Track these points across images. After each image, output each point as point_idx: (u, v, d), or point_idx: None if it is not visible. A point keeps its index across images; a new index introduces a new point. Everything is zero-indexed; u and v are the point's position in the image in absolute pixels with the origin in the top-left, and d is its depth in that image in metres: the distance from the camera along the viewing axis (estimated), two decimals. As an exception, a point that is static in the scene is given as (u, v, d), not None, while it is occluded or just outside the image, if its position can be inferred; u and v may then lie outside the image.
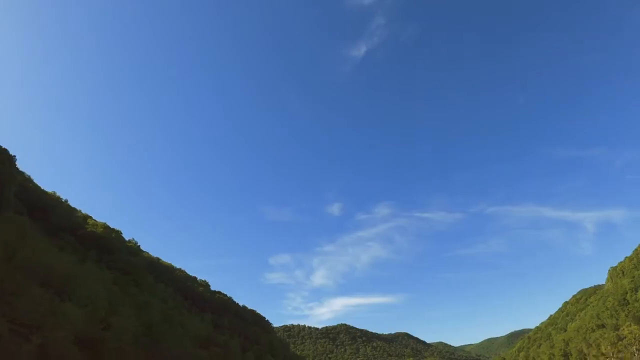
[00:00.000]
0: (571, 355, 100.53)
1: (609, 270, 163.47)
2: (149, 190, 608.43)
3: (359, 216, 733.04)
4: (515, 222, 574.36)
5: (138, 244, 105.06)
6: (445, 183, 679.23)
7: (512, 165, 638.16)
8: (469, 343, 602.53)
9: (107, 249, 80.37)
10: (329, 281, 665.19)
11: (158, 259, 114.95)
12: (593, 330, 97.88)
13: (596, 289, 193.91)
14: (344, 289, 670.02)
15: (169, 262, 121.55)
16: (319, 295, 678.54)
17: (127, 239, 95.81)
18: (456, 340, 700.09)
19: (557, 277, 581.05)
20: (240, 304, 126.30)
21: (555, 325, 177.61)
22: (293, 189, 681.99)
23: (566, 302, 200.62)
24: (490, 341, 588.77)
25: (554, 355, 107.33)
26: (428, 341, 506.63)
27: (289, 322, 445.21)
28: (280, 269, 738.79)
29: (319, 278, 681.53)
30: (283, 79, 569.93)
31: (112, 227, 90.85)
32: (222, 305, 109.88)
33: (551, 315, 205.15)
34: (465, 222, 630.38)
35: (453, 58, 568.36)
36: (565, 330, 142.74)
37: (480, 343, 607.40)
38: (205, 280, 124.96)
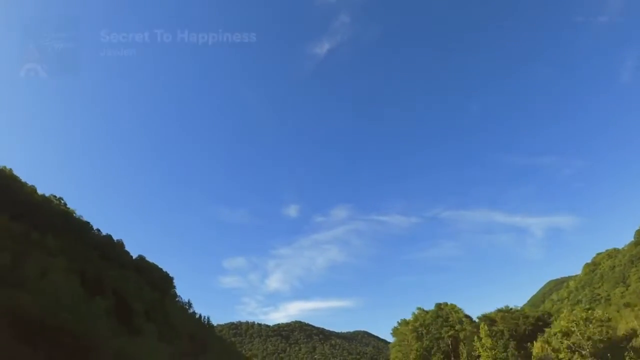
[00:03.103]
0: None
1: (637, 231, 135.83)
2: (95, 186, 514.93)
3: (316, 218, 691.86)
4: (469, 226, 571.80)
5: None
6: (402, 187, 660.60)
7: (466, 171, 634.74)
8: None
9: None
10: (285, 285, 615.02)
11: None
12: None
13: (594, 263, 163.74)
14: (300, 293, 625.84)
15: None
16: (274, 299, 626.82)
17: None
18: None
19: (508, 280, 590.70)
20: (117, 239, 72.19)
21: (592, 286, 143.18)
22: (248, 189, 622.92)
23: (586, 263, 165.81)
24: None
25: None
26: (389, 340, 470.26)
27: (235, 320, 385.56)
28: (235, 272, 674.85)
29: (275, 282, 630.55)
30: (239, 73, 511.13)
31: None
32: (59, 223, 56.29)
33: (568, 284, 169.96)
34: (421, 225, 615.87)
35: (413, 63, 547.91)
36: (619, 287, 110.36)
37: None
38: (58, 198, 70.08)
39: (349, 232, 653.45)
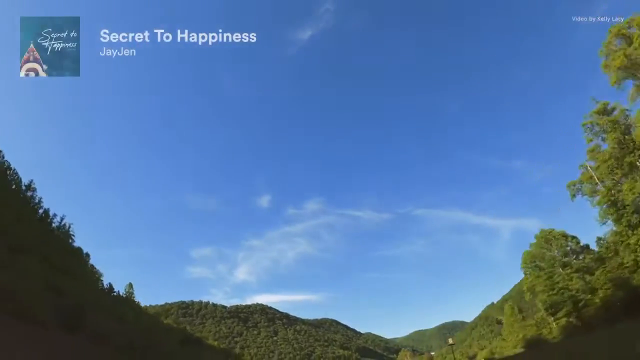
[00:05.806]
0: None
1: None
2: (55, 168, 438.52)
3: (288, 210, 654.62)
4: (440, 225, 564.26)
5: None
6: (376, 182, 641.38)
7: (441, 170, 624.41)
8: (398, 336, 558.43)
9: None
10: (252, 277, 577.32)
11: None
12: None
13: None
14: (267, 286, 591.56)
15: None
16: (241, 291, 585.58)
17: None
18: (386, 332, 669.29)
19: (477, 278, 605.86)
20: None
21: None
22: (220, 177, 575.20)
23: None
24: (420, 333, 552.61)
25: None
26: (358, 329, 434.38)
27: (187, 298, 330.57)
28: (202, 262, 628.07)
29: (243, 273, 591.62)
30: (216, 55, 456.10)
31: None
32: None
33: None
34: (392, 222, 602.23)
35: (395, 56, 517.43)
36: None
37: (409, 335, 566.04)
38: None
39: (320, 225, 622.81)
